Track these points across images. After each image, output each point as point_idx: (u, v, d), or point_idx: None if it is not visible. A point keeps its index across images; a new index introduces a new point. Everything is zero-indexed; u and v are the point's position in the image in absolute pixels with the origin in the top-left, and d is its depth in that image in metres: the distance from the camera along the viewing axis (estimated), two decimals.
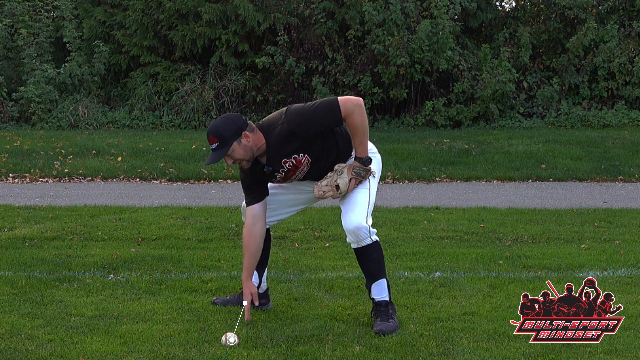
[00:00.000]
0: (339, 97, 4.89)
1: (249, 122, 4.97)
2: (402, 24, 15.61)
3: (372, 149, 5.15)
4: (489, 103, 15.60)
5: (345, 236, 5.09)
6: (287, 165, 5.01)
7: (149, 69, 16.82)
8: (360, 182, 5.01)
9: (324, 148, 4.99)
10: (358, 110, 4.85)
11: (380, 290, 5.06)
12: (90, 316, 5.21)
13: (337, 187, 4.98)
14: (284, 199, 5.29)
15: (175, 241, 7.41)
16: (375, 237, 5.02)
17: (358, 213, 4.97)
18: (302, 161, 5.00)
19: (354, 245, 5.03)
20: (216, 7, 16.14)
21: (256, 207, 5.13)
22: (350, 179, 4.97)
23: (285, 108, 4.98)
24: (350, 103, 4.85)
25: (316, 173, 5.07)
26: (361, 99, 4.90)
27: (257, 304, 5.21)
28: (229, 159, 4.92)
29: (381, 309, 5.03)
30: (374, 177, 5.09)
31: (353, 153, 5.08)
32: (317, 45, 16.17)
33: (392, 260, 6.67)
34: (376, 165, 5.15)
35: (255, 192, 5.14)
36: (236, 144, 4.88)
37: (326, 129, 4.94)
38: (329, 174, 5.03)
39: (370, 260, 5.03)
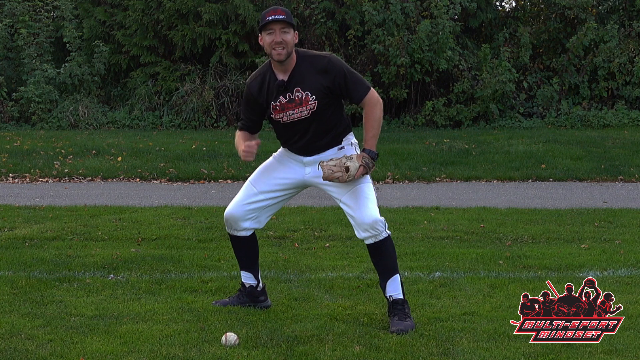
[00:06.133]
0: (375, 92, 5.06)
1: None
2: (402, 24, 15.61)
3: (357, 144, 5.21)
4: (489, 103, 15.61)
5: (353, 234, 5.07)
6: (296, 94, 5.02)
7: (149, 69, 16.83)
8: (367, 173, 5.01)
9: (330, 112, 5.04)
10: (380, 105, 5.06)
11: (395, 287, 5.05)
12: (90, 316, 5.21)
13: (347, 169, 4.95)
14: (265, 204, 5.24)
15: (175, 241, 7.41)
16: (389, 231, 5.05)
17: (372, 207, 4.99)
18: (310, 104, 5.02)
19: (370, 241, 5.01)
20: (216, 7, 16.14)
21: (246, 132, 5.27)
22: (359, 166, 4.96)
23: (329, 53, 5.13)
24: (378, 96, 5.07)
25: (307, 133, 5.06)
26: (381, 101, 5.10)
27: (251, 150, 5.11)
28: (281, 34, 4.94)
29: (398, 307, 5.01)
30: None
31: (344, 142, 5.12)
32: (317, 45, 16.16)
33: None
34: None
35: (250, 123, 5.22)
36: (293, 29, 5.01)
37: (343, 97, 5.06)
38: (335, 158, 5.01)
39: (387, 255, 5.03)
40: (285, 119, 5.08)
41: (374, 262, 5.12)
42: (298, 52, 5.07)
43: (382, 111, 5.06)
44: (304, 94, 5.00)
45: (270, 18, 4.94)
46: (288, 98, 5.03)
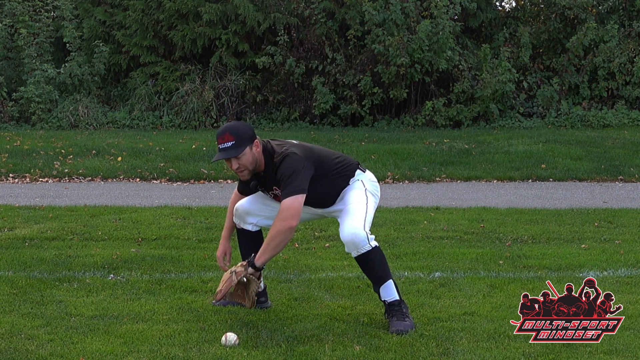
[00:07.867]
0: (296, 203, 4.86)
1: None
2: (402, 24, 15.61)
3: (372, 178, 5.23)
4: (489, 103, 15.61)
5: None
6: (275, 192, 5.13)
7: (149, 69, 16.82)
8: (243, 275, 4.95)
9: (316, 190, 5.03)
10: (288, 223, 4.83)
11: (389, 292, 5.04)
12: (90, 316, 5.21)
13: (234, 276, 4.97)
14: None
15: (175, 241, 7.41)
16: (374, 243, 4.99)
17: (353, 222, 4.97)
18: None
19: (353, 254, 5.00)
20: (216, 7, 16.14)
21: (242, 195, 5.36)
22: (236, 272, 4.96)
23: (289, 152, 4.97)
24: (295, 211, 4.85)
25: (305, 206, 5.09)
26: (295, 224, 4.86)
27: (227, 264, 5.28)
28: (235, 162, 4.95)
29: (395, 308, 5.02)
30: (374, 196, 5.15)
31: (339, 196, 5.12)
32: (317, 45, 16.17)
33: (392, 260, 6.67)
34: (373, 188, 5.20)
35: (245, 189, 5.30)
36: (248, 148, 4.95)
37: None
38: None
39: (373, 265, 5.01)
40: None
41: (363, 271, 5.14)
42: (266, 151, 5.03)
43: (287, 232, 4.84)
44: (279, 191, 5.06)
45: (220, 147, 4.94)
46: (272, 195, 5.16)
